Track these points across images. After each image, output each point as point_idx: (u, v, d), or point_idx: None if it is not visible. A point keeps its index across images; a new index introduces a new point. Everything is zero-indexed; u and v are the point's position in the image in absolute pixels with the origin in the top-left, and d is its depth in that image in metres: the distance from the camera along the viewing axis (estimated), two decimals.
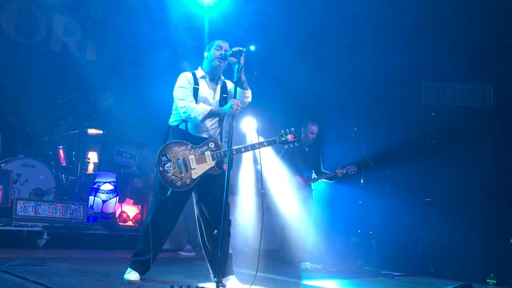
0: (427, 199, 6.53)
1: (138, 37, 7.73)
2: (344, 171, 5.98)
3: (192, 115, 3.69)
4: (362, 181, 6.34)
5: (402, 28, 6.94)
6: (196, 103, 3.77)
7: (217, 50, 3.83)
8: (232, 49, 3.64)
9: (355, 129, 6.36)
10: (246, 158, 6.93)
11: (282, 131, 3.83)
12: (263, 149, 5.91)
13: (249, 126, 6.94)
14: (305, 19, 7.47)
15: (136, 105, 7.43)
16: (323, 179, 6.24)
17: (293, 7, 7.20)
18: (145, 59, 7.48)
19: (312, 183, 6.25)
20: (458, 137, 6.56)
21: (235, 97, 3.68)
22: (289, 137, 3.80)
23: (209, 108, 3.72)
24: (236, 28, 7.18)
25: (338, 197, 6.92)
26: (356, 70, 7.49)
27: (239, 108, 3.64)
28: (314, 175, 6.24)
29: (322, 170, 6.26)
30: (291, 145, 3.83)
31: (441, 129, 6.72)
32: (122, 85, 7.65)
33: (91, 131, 7.46)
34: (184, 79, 3.84)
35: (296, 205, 6.05)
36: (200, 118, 3.68)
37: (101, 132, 7.58)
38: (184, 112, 3.73)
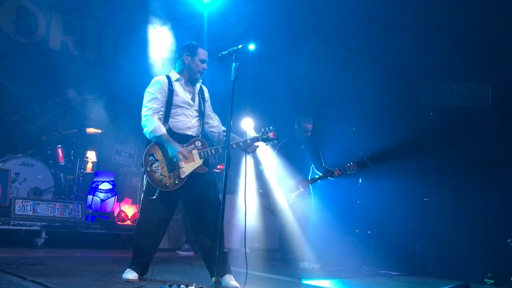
0: (425, 199, 6.55)
1: (137, 36, 7.72)
2: (341, 173, 5.91)
3: (148, 126, 3.64)
4: (360, 181, 6.34)
5: (401, 28, 6.95)
6: (171, 105, 3.74)
7: (203, 63, 3.83)
8: (228, 49, 3.59)
9: (354, 128, 6.35)
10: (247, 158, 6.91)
11: (263, 129, 3.88)
12: (262, 149, 5.90)
13: (248, 125, 6.94)
14: (304, 18, 7.47)
15: (135, 104, 7.41)
16: (322, 179, 6.12)
17: (291, 6, 7.20)
18: (143, 58, 7.47)
19: (310, 184, 6.22)
20: (456, 137, 6.58)
21: (232, 97, 3.57)
22: (270, 135, 3.84)
23: (163, 133, 3.64)
24: (235, 26, 7.18)
25: (336, 196, 6.93)
26: (355, 70, 7.49)
27: (185, 157, 3.61)
28: (312, 173, 6.18)
29: (323, 164, 6.17)
30: (271, 143, 3.92)
31: (440, 129, 6.73)
32: (121, 84, 7.64)
33: (90, 130, 7.45)
34: (156, 85, 3.76)
35: (295, 205, 6.04)
36: (151, 134, 3.63)
37: (99, 131, 7.57)
38: (144, 120, 3.68)
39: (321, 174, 6.07)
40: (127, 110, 7.45)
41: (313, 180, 6.12)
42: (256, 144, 3.85)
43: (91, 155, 7.69)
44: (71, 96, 7.45)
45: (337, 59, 7.62)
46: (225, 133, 3.87)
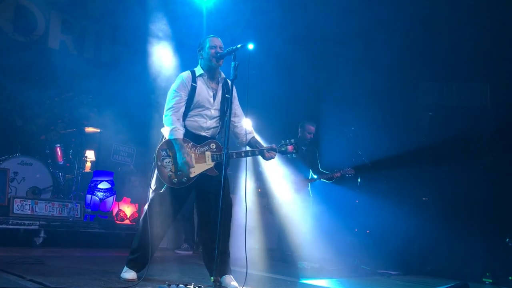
0: (424, 199, 6.55)
1: (136, 35, 7.71)
2: (340, 174, 5.97)
3: (166, 126, 3.66)
4: (359, 181, 6.35)
5: (400, 28, 6.96)
6: (191, 104, 3.74)
7: (212, 49, 3.77)
8: (227, 49, 3.60)
9: (352, 128, 6.37)
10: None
11: (283, 141, 3.83)
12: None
13: (248, 125, 6.93)
14: (304, 18, 7.47)
15: (134, 103, 7.42)
16: (320, 179, 6.21)
17: (291, 6, 7.20)
18: (142, 58, 7.47)
19: (309, 183, 6.25)
20: (455, 137, 6.59)
21: (231, 96, 3.58)
22: (289, 147, 3.81)
23: (179, 137, 3.64)
24: (234, 26, 7.17)
25: (335, 196, 6.93)
26: (354, 69, 7.50)
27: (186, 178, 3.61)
28: (311, 175, 6.24)
29: (320, 169, 6.24)
30: (289, 156, 3.87)
31: (438, 129, 6.74)
32: (120, 83, 7.63)
33: (89, 129, 7.44)
34: (179, 82, 3.76)
35: (294, 204, 6.05)
36: (167, 134, 3.64)
37: (98, 130, 7.56)
38: (165, 119, 3.68)
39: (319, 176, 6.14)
40: (126, 109, 7.44)
41: (312, 180, 6.17)
42: (272, 154, 3.80)
43: (90, 154, 7.68)
44: (70, 95, 7.44)
45: (336, 58, 7.62)
46: (250, 137, 3.90)
